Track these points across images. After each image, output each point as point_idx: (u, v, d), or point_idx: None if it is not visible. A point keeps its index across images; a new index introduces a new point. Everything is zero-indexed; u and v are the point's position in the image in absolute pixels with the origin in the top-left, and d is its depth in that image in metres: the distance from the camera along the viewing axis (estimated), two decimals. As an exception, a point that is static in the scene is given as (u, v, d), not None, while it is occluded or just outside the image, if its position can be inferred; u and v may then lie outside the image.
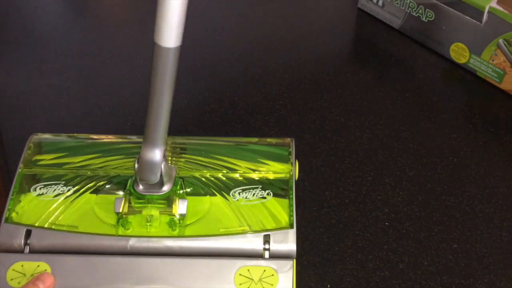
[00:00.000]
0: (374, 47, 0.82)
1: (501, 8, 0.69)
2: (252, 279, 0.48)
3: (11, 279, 0.47)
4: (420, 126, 0.69)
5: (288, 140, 0.57)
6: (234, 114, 0.70)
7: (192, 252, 0.49)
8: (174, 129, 0.51)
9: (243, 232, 0.49)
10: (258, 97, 0.73)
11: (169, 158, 0.54)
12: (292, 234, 0.49)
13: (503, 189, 0.62)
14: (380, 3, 0.83)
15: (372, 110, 0.71)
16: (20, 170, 0.54)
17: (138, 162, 0.48)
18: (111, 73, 0.77)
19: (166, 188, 0.50)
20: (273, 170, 0.54)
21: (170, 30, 0.39)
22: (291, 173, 0.54)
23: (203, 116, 0.69)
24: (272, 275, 0.48)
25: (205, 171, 0.54)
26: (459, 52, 0.76)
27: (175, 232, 0.49)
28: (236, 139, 0.58)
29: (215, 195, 0.52)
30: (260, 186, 0.52)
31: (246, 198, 0.51)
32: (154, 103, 0.44)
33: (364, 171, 0.63)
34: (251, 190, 0.52)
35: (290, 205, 0.51)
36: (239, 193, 0.52)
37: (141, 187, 0.50)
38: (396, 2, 0.81)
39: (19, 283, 0.47)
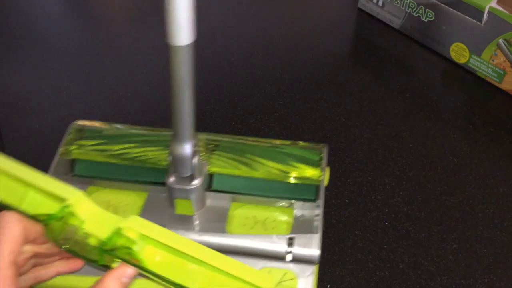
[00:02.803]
0: (374, 47, 0.82)
1: (501, 8, 0.69)
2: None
3: None
4: (420, 126, 0.69)
5: (321, 145, 0.56)
6: (234, 114, 0.70)
7: (214, 249, 0.47)
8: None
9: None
10: (258, 97, 0.73)
11: (202, 154, 0.54)
12: (316, 239, 0.48)
13: (503, 189, 0.62)
14: (380, 3, 0.83)
15: (372, 110, 0.71)
16: (59, 154, 0.54)
17: (170, 156, 0.49)
18: (111, 73, 0.77)
19: (196, 182, 0.50)
20: (302, 174, 0.53)
21: (180, 29, 0.39)
22: (320, 178, 0.52)
23: (203, 116, 0.69)
24: (292, 278, 0.47)
25: (234, 169, 0.54)
26: (459, 52, 0.76)
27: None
28: (269, 140, 0.57)
29: None
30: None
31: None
32: (177, 101, 0.44)
33: (364, 171, 0.63)
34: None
35: (316, 215, 0.50)
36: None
37: (172, 179, 0.50)
38: (396, 2, 0.81)
39: None
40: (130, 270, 0.38)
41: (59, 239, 0.38)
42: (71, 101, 0.73)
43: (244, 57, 0.79)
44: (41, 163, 0.65)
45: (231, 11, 0.89)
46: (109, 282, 0.37)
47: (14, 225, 0.36)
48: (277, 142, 0.57)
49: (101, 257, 0.38)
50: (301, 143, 0.56)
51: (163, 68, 0.78)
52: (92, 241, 0.37)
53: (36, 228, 0.38)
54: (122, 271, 0.38)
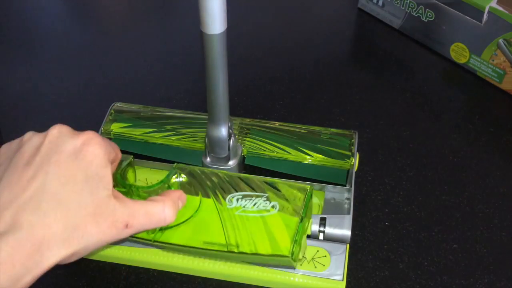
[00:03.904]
0: (374, 47, 0.82)
1: (501, 8, 0.69)
2: (305, 257, 0.50)
3: None
4: (420, 126, 0.69)
5: (352, 132, 0.58)
6: (234, 114, 0.70)
7: None
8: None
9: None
10: (258, 97, 0.73)
11: (237, 137, 0.56)
12: (348, 219, 0.51)
13: (503, 189, 0.62)
14: (380, 3, 0.83)
15: (372, 110, 0.71)
16: (100, 134, 0.56)
17: (207, 137, 0.51)
18: (111, 73, 0.77)
19: (232, 163, 0.53)
20: (333, 158, 0.55)
21: (214, 18, 0.41)
22: (351, 163, 0.55)
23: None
24: (325, 256, 0.50)
25: (267, 152, 0.56)
26: (459, 52, 0.76)
27: (151, 236, 0.43)
28: (301, 125, 0.59)
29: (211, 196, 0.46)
30: (266, 195, 0.44)
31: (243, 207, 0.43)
32: (212, 85, 0.47)
33: (364, 171, 0.63)
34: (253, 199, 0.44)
35: (347, 198, 0.52)
36: (237, 200, 0.44)
37: (208, 159, 0.53)
38: (396, 2, 0.81)
39: None
40: (184, 195, 0.41)
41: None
42: (71, 101, 0.73)
43: (245, 57, 0.79)
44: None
45: (231, 11, 0.89)
46: (173, 196, 0.39)
47: (119, 150, 0.40)
48: (309, 127, 0.59)
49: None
50: (332, 129, 0.58)
51: (163, 68, 0.78)
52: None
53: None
54: (181, 193, 0.40)
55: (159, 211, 0.37)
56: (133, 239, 0.43)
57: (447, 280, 0.53)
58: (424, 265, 0.55)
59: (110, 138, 0.59)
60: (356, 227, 0.57)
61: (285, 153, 0.56)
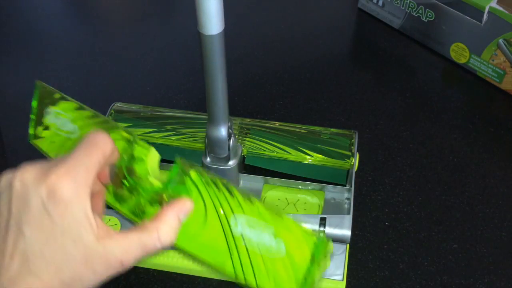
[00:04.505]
0: (374, 47, 0.82)
1: (501, 8, 0.69)
2: None
3: None
4: (420, 126, 0.69)
5: (352, 132, 0.58)
6: (234, 114, 0.70)
7: None
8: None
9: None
10: (258, 97, 0.73)
11: (237, 137, 0.57)
12: (348, 219, 0.50)
13: (503, 189, 0.62)
14: (380, 3, 0.83)
15: (372, 110, 0.71)
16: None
17: (206, 138, 0.51)
18: (111, 73, 0.77)
19: (231, 163, 0.53)
20: (333, 158, 0.55)
21: (211, 19, 0.41)
22: (351, 163, 0.55)
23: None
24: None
25: (267, 152, 0.56)
26: (459, 52, 0.76)
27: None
28: (301, 125, 0.59)
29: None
30: (272, 229, 0.37)
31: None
32: (211, 86, 0.47)
33: (364, 171, 0.63)
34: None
35: (347, 198, 0.52)
36: (241, 226, 0.38)
37: (208, 159, 0.53)
38: (396, 2, 0.81)
39: None
40: (189, 204, 0.37)
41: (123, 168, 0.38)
42: (71, 101, 0.73)
43: (244, 57, 0.79)
44: (41, 163, 0.65)
45: (231, 11, 0.89)
46: (169, 217, 0.36)
47: (109, 142, 0.36)
48: (309, 127, 0.59)
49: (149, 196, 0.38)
50: (332, 129, 0.58)
51: (163, 68, 0.78)
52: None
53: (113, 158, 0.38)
54: (182, 204, 0.37)
55: (153, 241, 0.35)
56: None
57: (447, 280, 0.53)
58: (424, 265, 0.55)
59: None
60: (356, 227, 0.57)
61: (285, 153, 0.56)
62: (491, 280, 0.53)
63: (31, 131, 0.46)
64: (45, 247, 0.32)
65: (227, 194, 0.38)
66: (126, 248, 0.34)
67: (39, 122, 0.45)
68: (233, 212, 0.37)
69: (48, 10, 0.90)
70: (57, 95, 0.46)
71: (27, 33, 0.84)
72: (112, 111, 0.60)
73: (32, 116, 0.46)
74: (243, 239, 0.37)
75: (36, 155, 0.66)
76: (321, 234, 0.46)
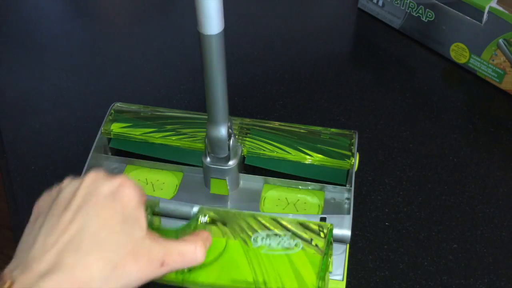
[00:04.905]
0: (374, 47, 0.82)
1: (501, 8, 0.69)
2: None
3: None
4: (420, 126, 0.69)
5: (352, 132, 0.58)
6: (234, 114, 0.70)
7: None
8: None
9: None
10: (258, 97, 0.73)
11: (237, 137, 0.57)
12: (348, 219, 0.51)
13: (503, 189, 0.62)
14: (380, 3, 0.83)
15: (372, 110, 0.71)
16: (100, 134, 0.58)
17: (206, 138, 0.51)
18: (111, 73, 0.77)
19: (231, 163, 0.53)
20: (333, 158, 0.55)
21: (210, 19, 0.41)
22: (351, 163, 0.55)
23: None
24: None
25: (267, 152, 0.56)
26: (459, 52, 0.76)
27: (180, 277, 0.43)
28: (301, 125, 0.59)
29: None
30: (289, 234, 0.44)
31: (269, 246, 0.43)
32: (210, 86, 0.47)
33: (364, 171, 0.63)
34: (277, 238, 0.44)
35: (347, 198, 0.52)
36: (262, 239, 0.43)
37: (208, 159, 0.53)
38: (396, 2, 0.81)
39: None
40: (210, 236, 0.41)
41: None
42: (71, 101, 0.73)
43: (244, 57, 0.79)
44: (41, 163, 0.65)
45: (231, 11, 0.89)
46: (201, 237, 0.40)
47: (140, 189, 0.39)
48: (309, 127, 0.59)
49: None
50: (332, 129, 0.58)
51: (163, 68, 0.78)
52: None
53: None
54: (207, 234, 0.41)
55: (191, 251, 0.38)
56: (163, 281, 0.42)
57: (447, 280, 0.53)
58: (424, 265, 0.55)
59: (110, 138, 0.59)
60: (356, 227, 0.57)
61: (285, 153, 0.56)
62: (491, 280, 0.53)
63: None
64: (102, 228, 0.34)
65: (249, 219, 0.43)
66: (167, 251, 0.37)
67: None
68: (252, 233, 0.42)
69: (48, 10, 0.90)
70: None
71: (27, 33, 0.84)
72: (112, 111, 0.60)
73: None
74: (262, 250, 0.41)
75: (35, 155, 0.66)
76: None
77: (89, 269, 0.33)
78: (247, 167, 0.57)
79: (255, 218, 0.44)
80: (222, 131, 0.50)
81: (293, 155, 0.56)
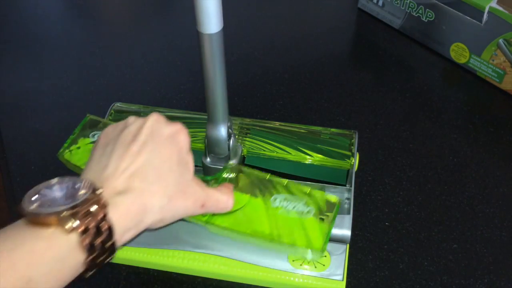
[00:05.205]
0: (374, 47, 0.82)
1: (501, 8, 0.69)
2: (305, 257, 0.51)
3: None
4: (420, 126, 0.69)
5: (352, 132, 0.58)
6: (234, 114, 0.70)
7: None
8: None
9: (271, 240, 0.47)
10: (258, 97, 0.73)
11: (237, 137, 0.57)
12: (348, 219, 0.51)
13: (503, 189, 0.62)
14: (380, 3, 0.83)
15: (372, 110, 0.72)
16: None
17: (206, 138, 0.52)
18: (111, 73, 0.77)
19: (232, 163, 0.53)
20: (333, 158, 0.56)
21: (209, 18, 0.42)
22: (351, 163, 0.55)
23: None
24: (325, 256, 0.51)
25: (267, 152, 0.57)
26: (459, 52, 0.76)
27: (204, 218, 0.48)
28: (301, 125, 0.59)
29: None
30: (304, 200, 0.49)
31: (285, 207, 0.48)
32: (209, 86, 0.47)
33: (364, 171, 0.63)
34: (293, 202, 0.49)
35: (347, 198, 0.53)
36: (280, 201, 0.49)
37: (208, 159, 0.53)
38: (396, 2, 0.81)
39: None
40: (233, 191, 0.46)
41: None
42: (71, 101, 0.73)
43: (244, 57, 0.79)
44: (41, 163, 0.65)
45: (231, 11, 0.89)
46: (231, 192, 0.45)
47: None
48: (309, 127, 0.59)
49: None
50: (332, 129, 0.59)
51: (163, 68, 0.78)
52: None
53: None
54: (232, 188, 0.46)
55: (225, 200, 0.44)
56: (188, 220, 0.47)
57: (447, 280, 0.53)
58: (424, 265, 0.55)
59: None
60: (356, 227, 0.57)
61: (285, 153, 0.56)
62: (491, 280, 0.53)
63: (63, 150, 0.52)
64: (163, 164, 0.39)
65: (273, 180, 0.48)
66: (208, 196, 0.42)
67: (74, 142, 0.53)
68: (272, 194, 0.48)
69: (48, 10, 0.90)
70: (101, 124, 0.54)
71: (27, 33, 0.84)
72: (112, 111, 0.60)
73: (70, 138, 0.53)
74: (279, 211, 0.47)
75: (35, 155, 0.66)
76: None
77: (153, 196, 0.38)
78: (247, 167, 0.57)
79: (277, 181, 0.49)
80: (222, 131, 0.50)
81: (293, 155, 0.56)
